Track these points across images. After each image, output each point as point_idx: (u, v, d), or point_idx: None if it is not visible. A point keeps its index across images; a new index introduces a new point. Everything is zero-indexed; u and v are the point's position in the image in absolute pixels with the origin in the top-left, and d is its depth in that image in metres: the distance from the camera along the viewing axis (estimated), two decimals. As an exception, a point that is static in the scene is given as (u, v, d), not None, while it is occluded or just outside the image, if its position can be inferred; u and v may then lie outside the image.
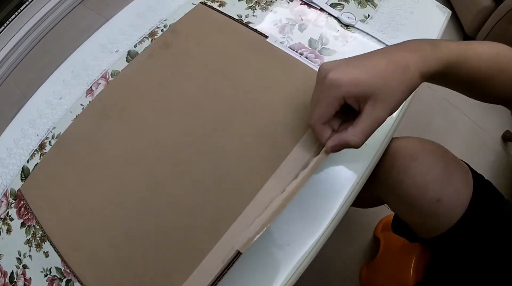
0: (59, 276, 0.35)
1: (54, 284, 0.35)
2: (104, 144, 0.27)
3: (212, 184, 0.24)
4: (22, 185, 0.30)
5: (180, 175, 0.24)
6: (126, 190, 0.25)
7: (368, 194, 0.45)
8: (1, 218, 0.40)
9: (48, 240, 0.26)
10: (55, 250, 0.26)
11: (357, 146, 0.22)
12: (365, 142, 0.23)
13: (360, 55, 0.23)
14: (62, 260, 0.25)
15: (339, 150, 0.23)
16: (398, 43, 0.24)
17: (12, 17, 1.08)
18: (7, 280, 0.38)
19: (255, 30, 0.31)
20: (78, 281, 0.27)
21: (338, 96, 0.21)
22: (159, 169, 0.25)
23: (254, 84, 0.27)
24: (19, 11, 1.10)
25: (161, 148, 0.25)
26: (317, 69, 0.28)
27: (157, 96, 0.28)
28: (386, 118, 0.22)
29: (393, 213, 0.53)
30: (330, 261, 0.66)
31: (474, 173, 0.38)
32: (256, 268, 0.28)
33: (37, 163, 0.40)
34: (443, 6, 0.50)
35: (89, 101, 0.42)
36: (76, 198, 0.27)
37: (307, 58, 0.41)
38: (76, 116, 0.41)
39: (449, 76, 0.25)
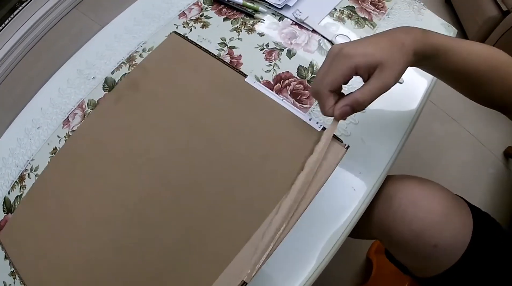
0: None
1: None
2: (70, 202, 0.26)
3: (180, 249, 0.22)
4: (1, 232, 0.29)
5: (147, 241, 0.22)
6: (92, 251, 0.24)
7: (361, 230, 0.43)
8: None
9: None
10: None
11: (364, 104, 0.24)
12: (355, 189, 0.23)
13: (364, 37, 0.27)
14: None
15: (347, 113, 0.25)
16: (394, 27, 0.28)
17: (5, 22, 1.06)
18: None
19: (233, 67, 0.28)
20: None
21: (352, 65, 0.24)
22: (125, 232, 0.23)
23: (227, 136, 0.25)
24: (12, 16, 1.07)
25: (126, 210, 0.23)
26: (300, 115, 0.26)
27: (122, 149, 0.26)
28: (391, 84, 0.24)
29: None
30: (322, 282, 0.65)
31: (472, 208, 0.36)
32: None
33: (21, 195, 0.39)
34: (448, 24, 0.46)
35: (66, 133, 0.40)
36: (49, 252, 0.26)
37: (294, 90, 0.38)
38: (56, 148, 0.39)
39: (436, 62, 0.28)
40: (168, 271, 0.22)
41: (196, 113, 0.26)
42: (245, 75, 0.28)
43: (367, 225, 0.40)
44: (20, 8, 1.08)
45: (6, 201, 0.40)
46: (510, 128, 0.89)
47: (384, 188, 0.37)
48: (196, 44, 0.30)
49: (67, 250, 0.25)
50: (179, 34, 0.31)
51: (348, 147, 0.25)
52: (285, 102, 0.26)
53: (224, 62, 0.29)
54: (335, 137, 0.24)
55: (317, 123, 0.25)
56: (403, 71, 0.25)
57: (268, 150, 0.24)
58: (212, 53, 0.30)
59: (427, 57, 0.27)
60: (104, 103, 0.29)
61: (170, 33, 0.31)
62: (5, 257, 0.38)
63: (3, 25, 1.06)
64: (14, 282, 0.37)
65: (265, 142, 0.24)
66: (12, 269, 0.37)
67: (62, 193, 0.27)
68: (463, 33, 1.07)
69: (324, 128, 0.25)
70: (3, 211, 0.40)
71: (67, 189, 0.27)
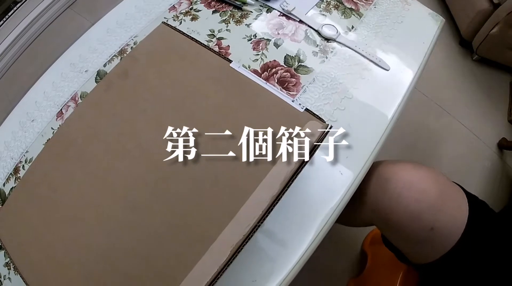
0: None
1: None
2: (61, 186, 0.27)
3: (167, 231, 0.23)
4: None
5: (134, 224, 0.23)
6: (83, 236, 0.25)
7: (357, 216, 0.43)
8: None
9: (21, 276, 0.26)
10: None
11: None
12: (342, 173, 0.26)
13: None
14: None
15: None
16: None
17: (0, 22, 1.08)
18: None
19: (219, 54, 0.30)
20: None
21: None
22: (113, 215, 0.24)
23: (211, 120, 0.26)
24: (6, 17, 1.09)
25: (115, 193, 0.24)
26: (283, 97, 0.27)
27: (112, 135, 0.27)
28: None
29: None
30: (317, 275, 0.66)
31: (468, 195, 0.37)
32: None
33: (15, 186, 0.40)
34: (436, 14, 0.47)
35: (59, 125, 0.42)
36: (41, 237, 0.27)
37: (281, 78, 0.40)
38: (41, 151, 0.40)
39: None
40: (156, 251, 0.23)
41: (182, 97, 0.28)
42: (230, 61, 0.29)
43: (362, 210, 0.40)
44: (15, 8, 1.10)
45: (1, 193, 0.42)
46: (503, 120, 0.91)
47: (379, 172, 0.37)
48: (184, 33, 0.32)
49: (58, 234, 0.26)
50: (168, 24, 0.32)
51: (331, 127, 0.26)
52: (268, 85, 0.27)
53: (210, 49, 0.31)
54: (317, 117, 0.26)
55: (299, 104, 0.26)
56: None
57: (251, 125, 0.25)
58: (199, 41, 0.31)
59: None
60: (94, 91, 0.30)
61: (160, 25, 0.33)
62: (0, 248, 0.40)
63: (0, 23, 1.08)
64: (9, 273, 0.38)
65: (248, 123, 0.25)
66: (7, 260, 0.39)
67: (54, 178, 0.28)
68: (455, 26, 1.09)
69: (306, 109, 0.26)
70: (-2, 203, 0.42)
71: (58, 173, 0.28)
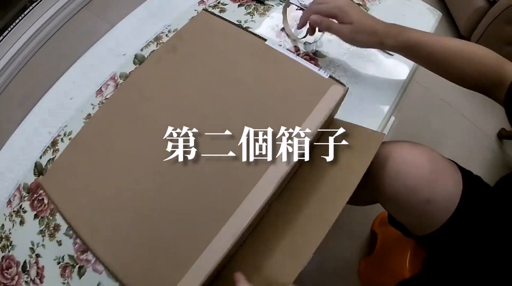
0: (71, 263, 0.39)
1: (66, 271, 0.39)
2: (117, 141, 0.31)
3: (216, 175, 0.28)
4: (42, 177, 0.34)
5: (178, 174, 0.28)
6: (132, 183, 0.29)
7: (361, 194, 0.48)
8: (15, 211, 0.44)
9: (70, 225, 0.29)
10: (76, 234, 0.29)
11: (321, 24, 0.39)
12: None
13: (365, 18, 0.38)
14: (83, 243, 0.28)
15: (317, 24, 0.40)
16: (381, 20, 0.38)
17: (16, 21, 1.13)
18: (19, 269, 0.40)
19: (254, 34, 0.35)
20: (98, 261, 0.30)
21: (335, 8, 0.38)
22: (160, 167, 0.28)
23: (251, 85, 0.31)
24: (23, 15, 1.15)
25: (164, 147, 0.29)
26: (310, 67, 0.32)
27: (165, 98, 0.32)
28: (345, 37, 0.39)
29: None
30: (329, 256, 0.69)
31: (462, 170, 0.40)
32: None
33: (53, 158, 0.44)
34: (434, 8, 0.53)
35: (100, 101, 0.46)
36: (94, 186, 0.30)
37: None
38: (90, 114, 0.45)
39: (406, 53, 0.39)
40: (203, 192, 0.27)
41: (226, 69, 0.33)
42: (265, 39, 0.34)
43: (365, 189, 0.43)
44: (31, 7, 1.16)
45: (37, 165, 0.45)
46: (502, 111, 0.97)
47: (379, 152, 0.40)
48: (223, 18, 0.37)
49: (110, 184, 0.29)
50: (208, 11, 0.37)
51: (347, 89, 0.31)
52: (298, 58, 0.33)
53: (247, 30, 0.36)
54: (339, 82, 0.31)
55: (324, 72, 0.31)
56: (360, 43, 0.39)
57: (285, 92, 0.30)
58: (237, 24, 0.36)
59: (398, 50, 0.38)
60: (146, 63, 0.35)
61: (200, 11, 0.38)
62: (35, 217, 0.43)
63: (15, 23, 1.13)
64: (43, 240, 0.41)
65: (282, 87, 0.30)
66: (41, 228, 0.42)
67: (108, 135, 0.31)
68: (453, 24, 1.16)
69: (330, 76, 0.31)
70: (34, 174, 0.45)
71: (112, 129, 0.31)
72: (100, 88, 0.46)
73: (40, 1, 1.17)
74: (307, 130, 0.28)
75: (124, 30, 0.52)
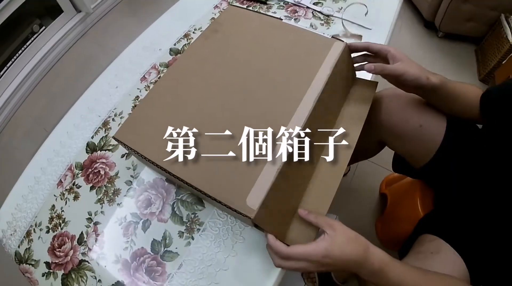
0: (135, 220, 0.43)
1: (130, 229, 0.43)
2: (187, 92, 0.40)
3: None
4: (117, 131, 0.40)
5: (244, 96, 0.39)
6: (209, 115, 0.38)
7: (368, 139, 0.58)
8: (67, 189, 0.48)
9: (153, 164, 0.36)
10: (161, 170, 0.36)
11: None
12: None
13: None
14: (166, 172, 0.35)
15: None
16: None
17: (19, 52, 1.21)
18: (75, 243, 0.43)
19: (273, 16, 0.48)
20: (185, 185, 0.35)
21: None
22: (225, 105, 0.39)
23: (280, 48, 0.44)
24: (25, 46, 1.23)
25: (228, 85, 0.39)
26: (318, 32, 0.45)
27: (219, 63, 0.43)
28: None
29: (392, 172, 0.66)
30: (346, 224, 0.76)
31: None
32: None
33: (106, 135, 0.50)
34: None
35: (145, 85, 0.55)
36: (166, 125, 0.37)
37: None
38: (138, 96, 0.53)
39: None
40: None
41: (259, 38, 0.44)
42: (281, 19, 0.47)
43: (369, 132, 0.51)
44: (32, 38, 1.25)
45: (89, 144, 0.51)
46: (475, 81, 1.13)
47: (374, 99, 0.49)
48: (247, 9, 0.50)
49: (185, 124, 0.37)
50: (234, 5, 0.50)
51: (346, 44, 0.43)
52: (307, 28, 0.45)
53: (267, 15, 0.49)
54: (340, 40, 0.43)
55: (328, 35, 0.44)
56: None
57: (302, 50, 0.43)
58: (258, 11, 0.49)
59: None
60: (197, 40, 0.46)
61: (228, 6, 0.51)
62: (91, 189, 0.47)
63: (18, 54, 1.20)
64: (102, 207, 0.45)
65: (299, 47, 0.43)
66: (99, 196, 0.46)
67: (175, 89, 0.40)
68: (417, 12, 1.37)
69: (332, 36, 0.44)
70: (87, 152, 0.50)
71: (180, 86, 0.40)
72: (144, 75, 0.56)
73: (41, 33, 1.27)
74: (323, 73, 0.40)
75: (154, 33, 0.63)
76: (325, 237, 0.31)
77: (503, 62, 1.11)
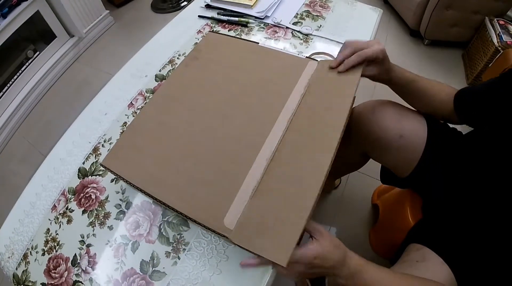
0: (124, 242, 0.46)
1: (120, 250, 0.46)
2: (169, 118, 0.44)
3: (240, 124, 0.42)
4: (104, 159, 0.43)
5: (221, 119, 0.42)
6: (190, 140, 0.42)
7: (351, 152, 0.61)
8: (61, 213, 0.51)
9: (139, 189, 0.39)
10: (146, 195, 0.39)
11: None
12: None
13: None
14: (150, 196, 0.38)
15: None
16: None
17: (14, 77, 1.27)
18: (69, 264, 0.46)
19: (250, 41, 0.52)
20: (169, 209, 0.38)
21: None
22: (205, 130, 0.42)
23: (255, 71, 0.48)
24: (20, 71, 1.29)
25: (206, 110, 0.44)
26: (293, 53, 0.49)
27: (198, 88, 0.47)
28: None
29: (382, 184, 0.68)
30: (340, 235, 0.79)
31: (424, 114, 0.52)
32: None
33: (96, 161, 0.54)
34: (375, 7, 0.74)
35: (132, 111, 0.59)
36: (152, 154, 0.41)
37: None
38: (125, 122, 0.57)
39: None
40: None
41: (236, 64, 0.49)
42: (257, 43, 0.52)
43: (352, 143, 0.56)
44: (27, 63, 1.31)
45: (81, 169, 0.54)
46: (464, 85, 1.17)
47: (353, 113, 0.54)
48: (224, 34, 0.54)
49: (169, 150, 0.40)
50: (213, 31, 0.55)
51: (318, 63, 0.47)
52: (282, 51, 0.50)
53: (243, 39, 0.53)
54: (311, 58, 0.47)
55: (303, 55, 0.48)
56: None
57: (278, 70, 0.47)
58: (235, 36, 0.54)
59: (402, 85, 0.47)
60: (178, 68, 0.50)
61: (207, 33, 0.55)
62: (83, 212, 0.50)
63: (13, 79, 1.26)
64: (93, 230, 0.48)
65: (276, 67, 0.47)
66: (91, 219, 0.48)
67: (159, 117, 0.44)
68: (402, 21, 1.41)
69: (306, 57, 0.48)
70: (78, 178, 0.54)
71: (163, 112, 0.44)
72: (131, 102, 0.60)
73: (35, 58, 1.34)
74: (297, 93, 0.43)
75: (140, 59, 0.67)
76: (314, 241, 0.34)
77: (490, 65, 1.15)
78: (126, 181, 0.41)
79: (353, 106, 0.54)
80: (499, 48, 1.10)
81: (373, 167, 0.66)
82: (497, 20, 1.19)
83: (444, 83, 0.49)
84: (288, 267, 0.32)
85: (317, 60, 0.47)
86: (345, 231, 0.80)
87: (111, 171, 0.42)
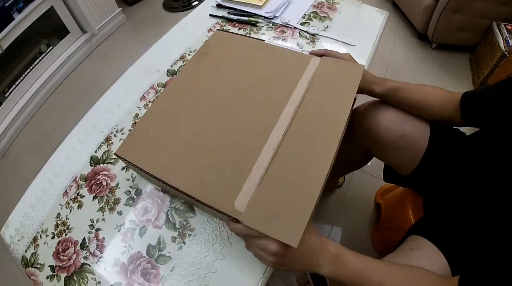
0: (132, 227, 0.49)
1: (128, 234, 0.48)
2: (179, 111, 0.46)
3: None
4: (118, 148, 0.46)
5: (229, 112, 0.45)
6: (200, 131, 0.44)
7: (354, 150, 0.63)
8: (72, 199, 0.54)
9: (151, 176, 0.41)
10: (158, 181, 0.41)
11: None
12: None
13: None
14: (162, 182, 0.40)
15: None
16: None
17: (27, 71, 1.32)
18: (77, 247, 0.48)
19: (257, 39, 0.55)
20: (181, 194, 0.39)
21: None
22: (214, 121, 0.45)
23: (262, 66, 0.51)
24: (33, 65, 1.34)
25: (215, 103, 0.46)
26: (297, 50, 0.51)
27: (208, 83, 0.49)
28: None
29: (386, 183, 0.69)
30: (343, 234, 0.80)
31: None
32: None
33: (108, 150, 0.56)
34: (381, 10, 0.75)
35: (144, 104, 0.62)
36: (165, 144, 0.43)
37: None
38: (137, 114, 0.60)
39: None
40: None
41: (243, 60, 0.51)
42: (263, 40, 0.54)
43: (354, 142, 0.57)
44: (40, 58, 1.36)
45: (93, 157, 0.57)
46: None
47: (355, 112, 0.56)
48: (231, 32, 0.57)
49: (179, 141, 0.42)
50: (221, 30, 0.58)
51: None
52: (287, 47, 0.52)
53: (250, 37, 0.56)
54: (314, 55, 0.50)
55: (306, 52, 0.51)
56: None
57: (283, 66, 0.49)
58: (243, 34, 0.57)
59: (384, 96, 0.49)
60: (188, 63, 0.53)
61: (216, 30, 0.58)
62: (94, 198, 0.53)
63: (26, 72, 1.31)
64: (103, 215, 0.50)
65: (281, 64, 0.49)
66: (101, 205, 0.51)
67: (170, 109, 0.46)
68: (410, 24, 1.42)
69: (310, 52, 0.50)
70: (90, 165, 0.57)
71: (172, 107, 0.47)
72: (143, 95, 0.63)
73: (48, 52, 1.38)
74: (301, 86, 0.46)
75: (153, 55, 0.70)
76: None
77: (496, 70, 1.16)
78: (139, 169, 0.43)
79: (356, 106, 0.56)
80: (506, 53, 1.11)
81: (376, 167, 0.68)
82: (505, 25, 1.20)
83: (442, 87, 0.50)
84: (248, 240, 0.34)
85: (321, 56, 0.50)
86: (347, 230, 0.81)
87: (125, 160, 0.45)
